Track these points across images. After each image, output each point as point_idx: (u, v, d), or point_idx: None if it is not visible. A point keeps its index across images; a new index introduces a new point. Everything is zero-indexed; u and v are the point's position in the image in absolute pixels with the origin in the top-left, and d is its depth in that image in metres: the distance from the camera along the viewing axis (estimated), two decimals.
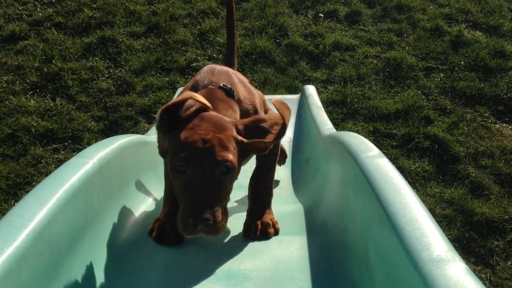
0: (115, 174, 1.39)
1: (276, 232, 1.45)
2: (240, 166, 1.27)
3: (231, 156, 1.18)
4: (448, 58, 4.00)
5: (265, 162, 1.56)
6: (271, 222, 1.44)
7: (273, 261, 1.32)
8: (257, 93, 1.63)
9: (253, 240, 1.40)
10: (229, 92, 1.42)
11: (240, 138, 1.23)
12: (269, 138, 1.25)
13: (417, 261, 0.82)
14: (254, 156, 1.51)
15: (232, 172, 1.20)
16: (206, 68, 1.56)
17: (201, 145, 1.16)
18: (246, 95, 1.50)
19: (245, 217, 1.51)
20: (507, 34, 4.29)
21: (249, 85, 1.62)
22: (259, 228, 1.42)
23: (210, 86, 1.42)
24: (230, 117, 1.34)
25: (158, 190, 1.80)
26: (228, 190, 1.24)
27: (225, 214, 1.20)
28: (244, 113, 1.45)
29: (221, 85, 1.42)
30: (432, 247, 0.84)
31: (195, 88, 1.45)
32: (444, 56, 4.03)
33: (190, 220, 1.11)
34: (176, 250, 1.40)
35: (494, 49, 4.05)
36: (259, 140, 1.24)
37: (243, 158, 1.26)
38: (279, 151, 1.67)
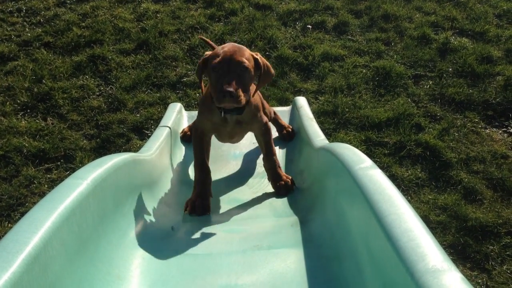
0: (109, 194, 1.38)
1: (293, 183, 2.11)
2: (253, 77, 1.89)
3: (246, 61, 1.79)
4: (436, 65, 4.04)
5: (266, 142, 2.14)
6: (288, 180, 2.11)
7: (271, 275, 1.32)
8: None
9: (283, 194, 2.07)
10: None
11: (253, 54, 1.89)
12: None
13: (413, 272, 0.82)
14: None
15: (248, 71, 1.80)
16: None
17: (228, 53, 1.78)
18: None
19: (241, 231, 1.56)
20: (493, 39, 4.35)
21: None
22: (283, 186, 2.08)
23: None
24: None
25: (152, 208, 1.80)
26: (247, 82, 1.82)
27: (246, 94, 1.81)
28: None
29: None
30: (427, 257, 0.84)
31: None
32: (432, 63, 4.08)
33: (219, 93, 1.71)
34: (174, 266, 1.40)
35: (481, 55, 4.10)
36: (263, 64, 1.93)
37: (255, 72, 1.89)
38: (270, 128, 2.22)
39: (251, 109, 2.02)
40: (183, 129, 2.68)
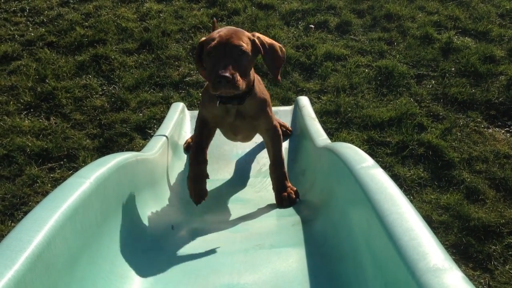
0: (112, 193, 1.39)
1: (298, 196, 2.01)
2: (253, 61, 1.79)
3: (244, 44, 1.69)
4: (438, 65, 4.04)
5: (275, 149, 2.06)
6: (292, 192, 2.01)
7: (272, 274, 1.32)
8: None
9: (285, 206, 1.97)
10: None
11: (251, 36, 1.77)
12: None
13: (414, 271, 0.82)
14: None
15: (246, 55, 1.70)
16: None
17: (224, 37, 1.68)
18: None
19: (243, 230, 1.56)
20: (496, 39, 4.34)
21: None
22: (286, 198, 1.99)
23: None
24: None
25: (155, 207, 1.81)
26: (245, 67, 1.71)
27: (245, 79, 1.71)
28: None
29: None
30: (429, 256, 0.85)
31: None
32: (434, 63, 4.07)
33: (214, 79, 1.60)
34: (176, 265, 1.41)
35: (484, 55, 4.09)
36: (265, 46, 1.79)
37: (255, 55, 1.78)
38: (281, 134, 2.11)
39: (256, 102, 1.92)
40: (186, 140, 2.61)
